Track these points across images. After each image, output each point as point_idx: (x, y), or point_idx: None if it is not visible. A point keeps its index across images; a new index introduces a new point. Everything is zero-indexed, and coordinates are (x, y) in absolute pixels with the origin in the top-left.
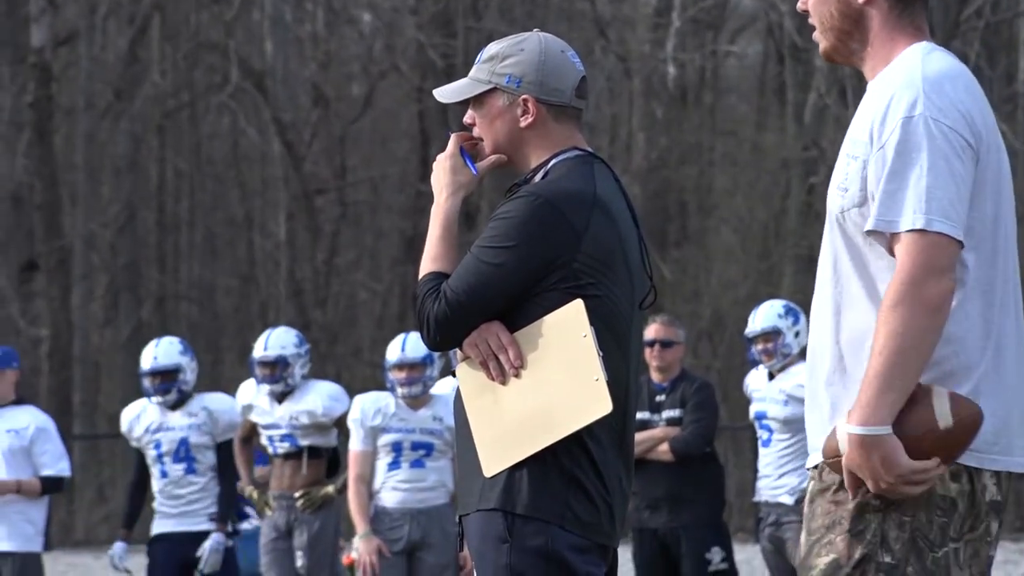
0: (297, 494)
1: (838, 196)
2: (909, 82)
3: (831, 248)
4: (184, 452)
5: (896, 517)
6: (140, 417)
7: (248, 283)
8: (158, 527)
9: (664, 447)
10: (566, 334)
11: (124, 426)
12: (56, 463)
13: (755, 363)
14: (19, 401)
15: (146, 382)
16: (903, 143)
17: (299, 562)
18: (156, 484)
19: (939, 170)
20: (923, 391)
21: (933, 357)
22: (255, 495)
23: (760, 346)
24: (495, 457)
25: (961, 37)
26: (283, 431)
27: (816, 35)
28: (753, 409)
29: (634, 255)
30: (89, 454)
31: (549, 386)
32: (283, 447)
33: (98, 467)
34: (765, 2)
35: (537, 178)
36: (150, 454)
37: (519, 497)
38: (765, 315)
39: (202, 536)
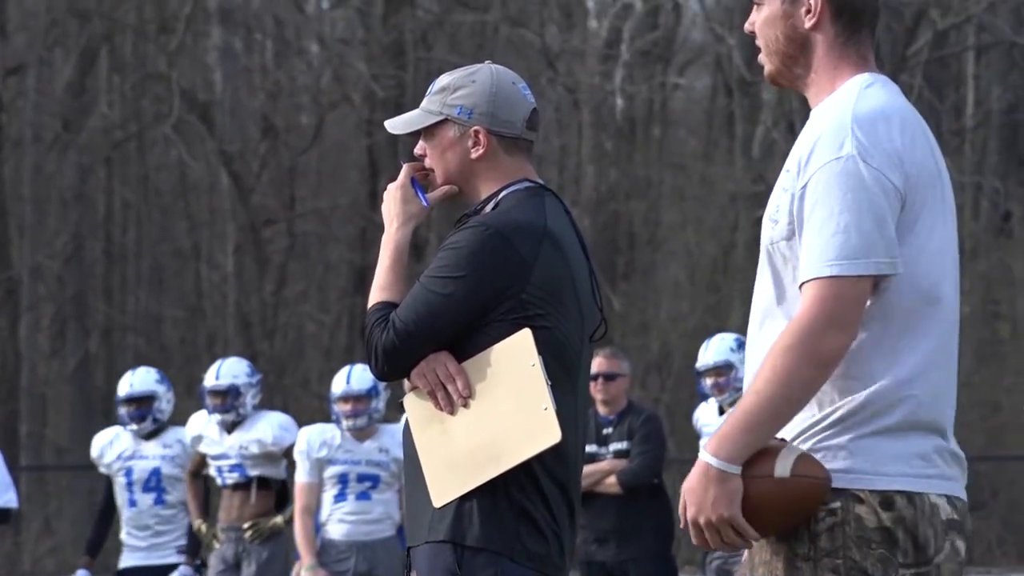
0: (246, 525)
1: (769, 227)
2: (839, 121)
3: (761, 278)
4: (155, 482)
5: (828, 562)
6: (113, 444)
7: (195, 315)
8: (126, 560)
9: (612, 479)
10: (514, 363)
11: (94, 452)
12: (3, 494)
13: (705, 397)
14: None
15: (121, 409)
16: (821, 186)
17: None
18: (124, 514)
19: (859, 209)
20: (777, 444)
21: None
22: (203, 528)
23: (711, 380)
24: (444, 487)
25: (908, 71)
26: (232, 461)
27: (761, 57)
28: (703, 443)
29: (584, 287)
30: (36, 485)
31: (498, 415)
32: (232, 477)
33: (45, 499)
34: (713, 35)
35: (487, 209)
36: (119, 482)
37: (469, 528)
38: (717, 349)
39: (169, 569)
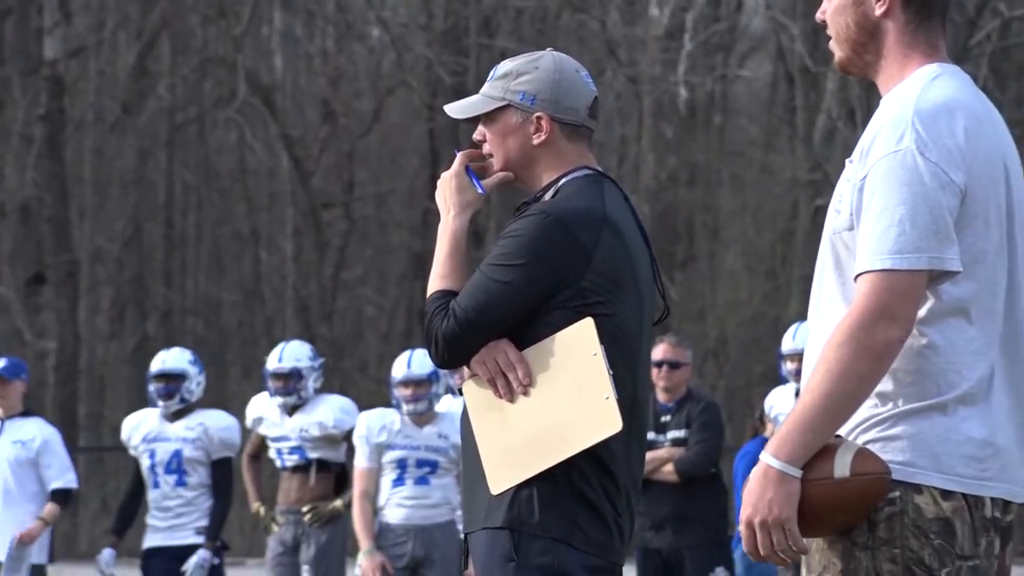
0: (304, 508)
1: (833, 217)
2: (900, 114)
3: (823, 267)
4: (176, 464)
5: (886, 551)
6: (140, 426)
7: (254, 298)
8: (149, 541)
9: (669, 467)
10: (576, 352)
11: (124, 434)
12: (63, 475)
13: (784, 380)
14: (26, 413)
15: (151, 385)
16: (879, 179)
17: None
18: (149, 495)
19: (912, 207)
20: (835, 441)
21: (931, 383)
22: (262, 511)
23: (793, 365)
24: (502, 475)
25: (971, 61)
26: (292, 443)
27: (832, 45)
28: (771, 429)
29: (644, 273)
30: (94, 466)
31: (558, 404)
32: (291, 460)
33: (103, 479)
34: (775, 24)
35: (547, 196)
36: (144, 463)
37: (527, 515)
38: (804, 335)
39: (189, 550)
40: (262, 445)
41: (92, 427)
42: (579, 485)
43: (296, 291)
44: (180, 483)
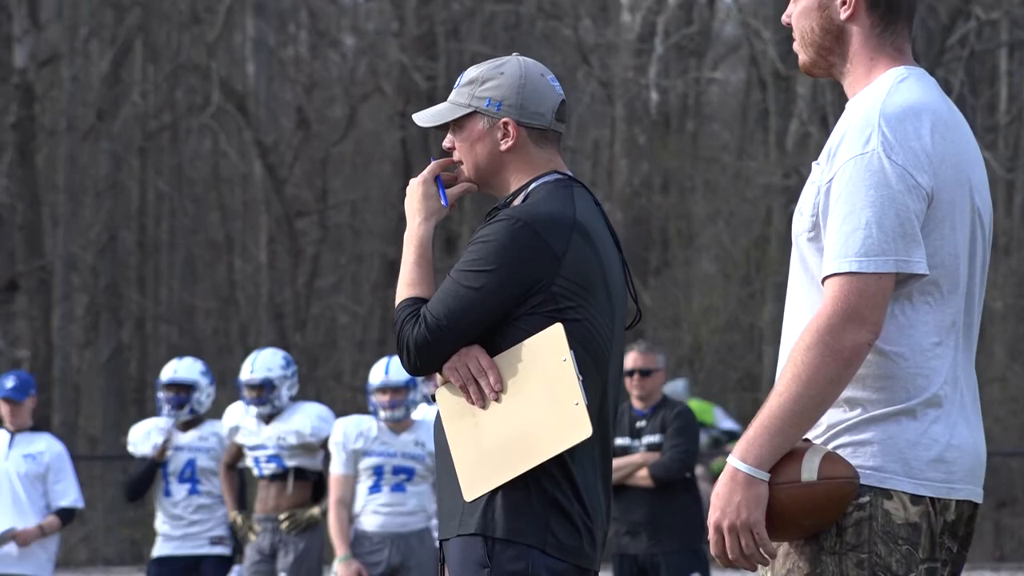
0: (282, 516)
1: (797, 219)
2: (867, 117)
3: (793, 269)
4: (190, 473)
5: (854, 556)
6: (150, 434)
7: (228, 305)
8: (160, 549)
9: (643, 472)
10: (546, 358)
11: (131, 445)
12: (69, 494)
13: None
14: (36, 428)
15: (160, 394)
16: (846, 182)
17: None
18: (159, 503)
19: (878, 211)
20: (802, 445)
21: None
22: (239, 520)
23: None
24: (475, 481)
25: (945, 66)
26: (270, 452)
27: (796, 47)
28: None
29: (615, 278)
30: None
31: (529, 410)
32: (269, 468)
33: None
34: (748, 29)
35: (517, 201)
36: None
37: (499, 521)
38: None
39: (202, 559)
40: (239, 454)
41: (66, 436)
42: (551, 491)
43: (271, 298)
44: (193, 491)
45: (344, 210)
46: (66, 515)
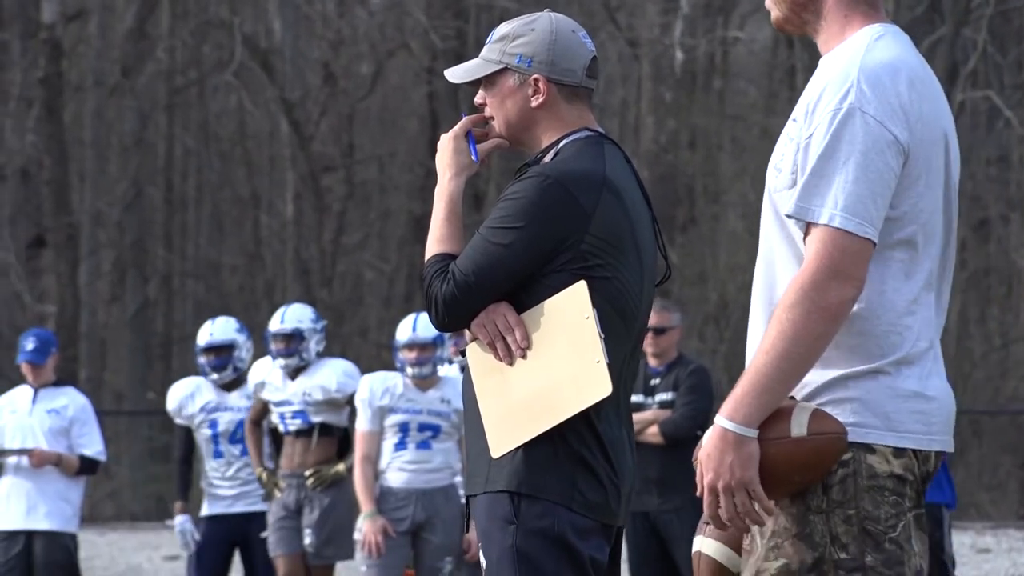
0: (307, 472)
1: (773, 175)
2: (845, 72)
3: (766, 224)
4: (240, 434)
5: (840, 513)
6: (194, 396)
7: (254, 262)
8: (210, 508)
9: (654, 429)
10: (569, 316)
11: (171, 404)
12: (94, 445)
13: None
14: (59, 383)
15: (201, 358)
16: (828, 135)
17: (307, 540)
18: (208, 464)
19: (858, 167)
20: (789, 403)
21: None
22: (264, 476)
23: None
24: (502, 438)
25: (971, 25)
26: (295, 407)
27: (768, 3)
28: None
29: (645, 236)
30: None
31: (553, 367)
32: (294, 424)
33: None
34: None
35: (547, 158)
36: (204, 433)
37: (526, 478)
38: None
39: (255, 516)
40: (264, 410)
41: (92, 391)
42: (577, 447)
43: (297, 255)
44: (245, 452)
45: (370, 166)
46: (87, 463)
